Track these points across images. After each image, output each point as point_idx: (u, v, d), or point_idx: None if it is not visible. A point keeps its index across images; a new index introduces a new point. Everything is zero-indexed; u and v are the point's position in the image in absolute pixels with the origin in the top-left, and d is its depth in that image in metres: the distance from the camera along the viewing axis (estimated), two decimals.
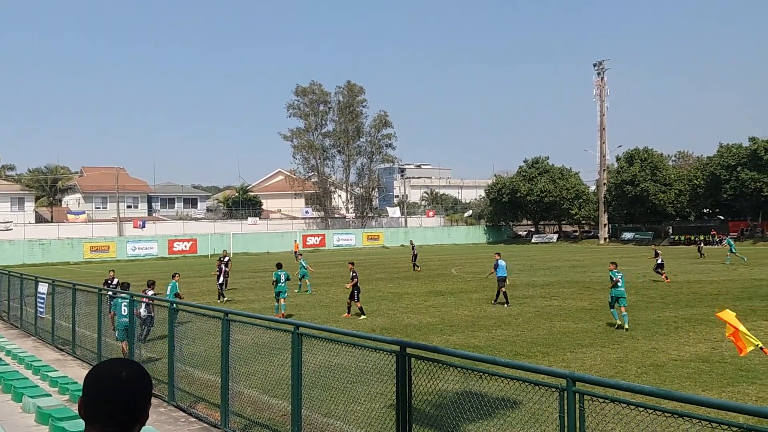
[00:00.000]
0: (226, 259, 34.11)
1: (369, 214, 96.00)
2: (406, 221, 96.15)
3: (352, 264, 24.26)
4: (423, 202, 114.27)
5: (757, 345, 5.27)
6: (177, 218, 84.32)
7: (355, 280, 22.70)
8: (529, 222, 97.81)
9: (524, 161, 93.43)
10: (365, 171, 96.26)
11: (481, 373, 5.88)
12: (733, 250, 44.89)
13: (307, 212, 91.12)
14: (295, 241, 67.92)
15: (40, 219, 79.30)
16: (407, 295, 28.39)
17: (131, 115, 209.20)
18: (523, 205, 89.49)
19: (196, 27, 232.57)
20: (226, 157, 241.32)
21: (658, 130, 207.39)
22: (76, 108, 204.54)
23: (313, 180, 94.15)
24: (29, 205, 79.35)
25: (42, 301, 19.08)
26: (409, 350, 6.75)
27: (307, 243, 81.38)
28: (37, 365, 14.05)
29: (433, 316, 21.86)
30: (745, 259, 44.18)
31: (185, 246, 72.95)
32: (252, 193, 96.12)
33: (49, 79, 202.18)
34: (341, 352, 7.85)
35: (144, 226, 73.97)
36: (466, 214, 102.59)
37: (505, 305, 23.66)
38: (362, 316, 21.78)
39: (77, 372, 14.02)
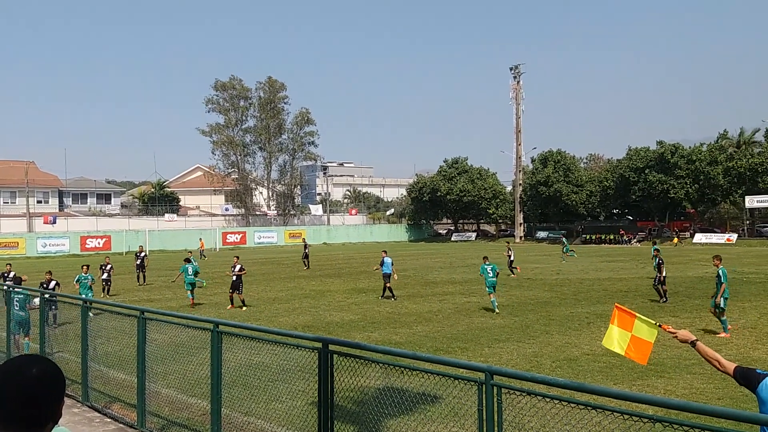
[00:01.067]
0: (143, 254, 33.81)
1: (291, 212, 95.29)
2: (328, 219, 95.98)
3: (237, 258, 25.51)
4: (345, 201, 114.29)
5: (656, 324, 5.53)
6: (90, 214, 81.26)
7: (243, 272, 24.47)
8: (449, 221, 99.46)
9: (444, 161, 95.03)
10: (287, 168, 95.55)
11: (402, 369, 5.93)
12: (566, 250, 49.19)
13: (227, 209, 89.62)
14: (201, 239, 66.94)
15: None
16: (329, 292, 28.33)
17: (41, 106, 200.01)
18: (443, 204, 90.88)
19: (112, 11, 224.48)
20: (141, 151, 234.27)
21: (571, 132, 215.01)
22: None
23: (233, 176, 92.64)
24: None
25: None
26: (331, 347, 6.73)
27: (227, 240, 80.00)
28: None
29: (356, 313, 21.90)
30: (575, 255, 49.25)
31: (98, 243, 70.44)
32: (169, 189, 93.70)
33: None
34: (263, 350, 7.76)
35: (55, 222, 70.96)
36: (388, 213, 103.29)
37: (393, 299, 25.10)
38: (244, 308, 23.30)
39: None
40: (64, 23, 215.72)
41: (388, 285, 25.76)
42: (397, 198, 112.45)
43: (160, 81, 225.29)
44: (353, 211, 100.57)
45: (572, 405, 4.48)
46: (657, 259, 23.98)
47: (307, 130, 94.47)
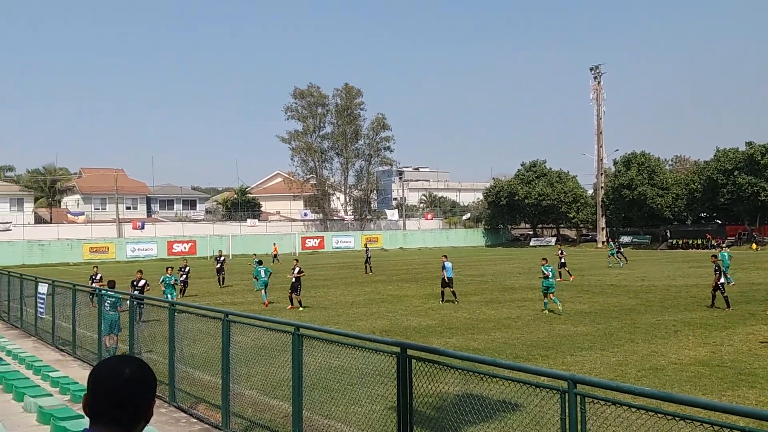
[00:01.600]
0: (222, 258, 35.17)
1: (367, 217, 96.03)
2: (404, 224, 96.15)
3: (297, 261, 27.69)
4: (421, 205, 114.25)
5: None
6: (176, 219, 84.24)
7: (302, 274, 25.94)
8: (527, 225, 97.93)
9: (522, 164, 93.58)
10: (363, 173, 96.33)
11: (481, 375, 5.89)
12: (611, 253, 47.09)
13: (305, 214, 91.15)
14: (274, 243, 67.84)
15: (39, 220, 79.29)
16: (406, 297, 28.40)
17: (130, 116, 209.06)
18: (521, 208, 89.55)
19: (194, 29, 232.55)
20: (224, 159, 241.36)
21: (655, 134, 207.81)
22: (75, 108, 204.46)
23: (311, 182, 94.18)
24: (28, 206, 79.34)
25: (42, 301, 19.07)
26: (409, 352, 6.75)
27: (306, 245, 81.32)
28: (37, 365, 14.04)
29: (433, 318, 21.86)
30: (621, 265, 45.13)
31: (185, 247, 72.92)
32: (251, 195, 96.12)
33: (46, 79, 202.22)
34: (342, 353, 7.86)
35: (143, 228, 73.97)
36: (464, 217, 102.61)
37: (451, 301, 25.90)
38: (301, 308, 24.70)
39: (78, 372, 14.02)
40: (154, 38, 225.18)
41: (452, 289, 26.60)
42: (474, 202, 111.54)
43: (242, 90, 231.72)
44: (429, 216, 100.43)
45: (659, 415, 4.35)
46: (715, 266, 23.38)
47: (383, 135, 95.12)
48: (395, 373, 6.72)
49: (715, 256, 24.53)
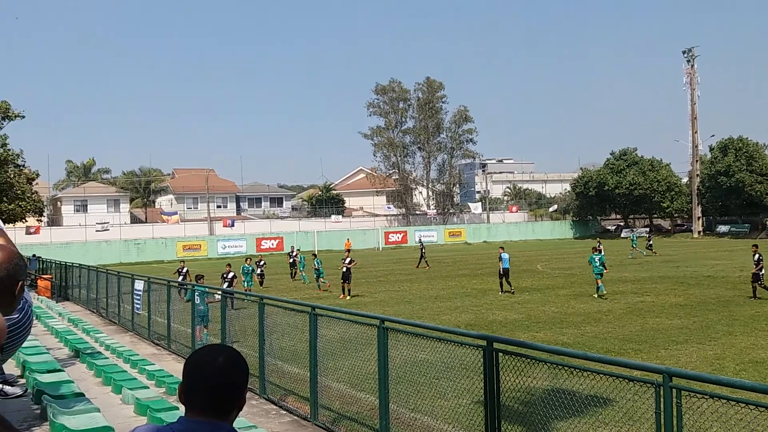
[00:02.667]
0: (294, 254, 36.33)
1: (450, 211, 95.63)
2: (488, 217, 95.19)
3: (348, 251, 30.25)
4: (505, 198, 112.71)
5: None
6: (264, 217, 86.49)
7: (354, 262, 28.03)
8: (618, 216, 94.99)
9: (611, 153, 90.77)
10: (446, 167, 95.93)
11: (571, 369, 5.76)
12: (634, 245, 46.83)
13: (388, 209, 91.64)
14: (348, 238, 68.14)
15: (134, 220, 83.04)
16: (491, 291, 28.17)
17: (220, 117, 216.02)
18: (611, 198, 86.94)
19: (279, 27, 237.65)
20: (309, 156, 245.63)
21: (753, 118, 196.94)
22: (167, 111, 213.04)
23: (394, 177, 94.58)
24: (124, 207, 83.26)
25: (138, 298, 19.89)
26: (496, 345, 6.68)
27: (389, 240, 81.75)
28: (134, 359, 14.67)
29: (519, 312, 21.62)
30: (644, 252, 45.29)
31: (272, 244, 74.76)
32: (335, 192, 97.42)
33: (139, 82, 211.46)
34: (427, 347, 7.87)
35: (233, 225, 76.21)
36: (551, 209, 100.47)
37: (511, 292, 26.75)
38: (348, 297, 26.81)
39: (173, 366, 14.63)
40: (240, 37, 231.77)
41: (507, 280, 27.43)
42: (561, 194, 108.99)
43: (326, 88, 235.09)
44: (514, 209, 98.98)
45: (759, 409, 4.13)
46: (756, 255, 23.32)
47: (466, 127, 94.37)
48: (482, 367, 6.67)
49: (756, 246, 24.51)
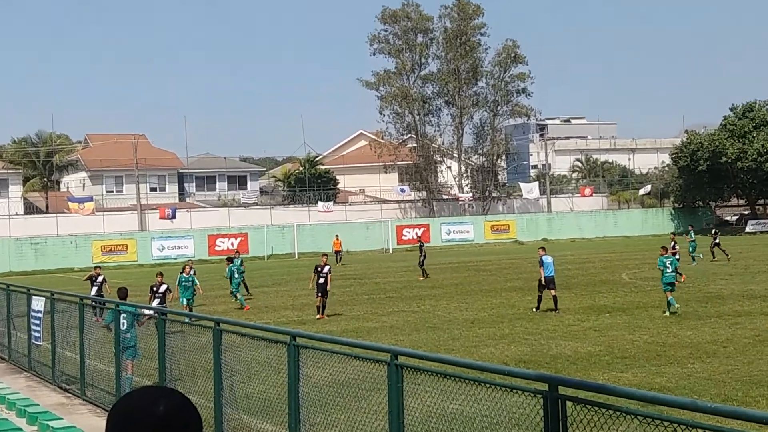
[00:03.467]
0: (239, 261, 36.63)
1: (493, 194, 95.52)
2: (549, 203, 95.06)
3: (326, 256, 31.60)
4: (574, 175, 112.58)
5: None
6: (219, 204, 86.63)
7: (330, 275, 29.82)
8: (742, 201, 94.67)
9: (731, 109, 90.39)
10: (487, 130, 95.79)
11: (674, 425, 5.75)
12: (691, 251, 47.46)
13: (402, 192, 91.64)
14: (337, 236, 67.83)
15: (30, 209, 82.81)
16: (554, 312, 28.15)
17: (150, 63, 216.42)
18: (730, 175, 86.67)
19: None
20: (284, 116, 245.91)
21: None
22: (75, 54, 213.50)
23: (409, 145, 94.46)
24: (15, 190, 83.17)
25: (38, 322, 19.94)
26: (562, 390, 6.68)
27: (403, 237, 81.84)
28: (33, 411, 14.75)
29: (596, 342, 21.67)
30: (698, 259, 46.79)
31: (232, 243, 74.60)
32: (323, 167, 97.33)
33: (37, 14, 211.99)
34: (460, 392, 7.86)
35: (174, 217, 76.34)
36: (641, 192, 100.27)
37: (553, 311, 28.01)
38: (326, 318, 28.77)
39: (88, 420, 14.70)
40: None
41: (553, 293, 28.54)
42: (656, 169, 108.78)
43: (308, 17, 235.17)
44: (587, 191, 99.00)
45: None
46: None
47: (516, 72, 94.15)
48: (541, 423, 6.67)
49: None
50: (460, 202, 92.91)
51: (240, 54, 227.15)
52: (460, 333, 24.17)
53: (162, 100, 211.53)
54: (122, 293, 18.77)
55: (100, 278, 30.47)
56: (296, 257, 72.57)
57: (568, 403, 6.55)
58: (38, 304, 20.01)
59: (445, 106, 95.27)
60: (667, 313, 26.17)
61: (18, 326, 22.14)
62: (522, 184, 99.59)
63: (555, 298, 28.51)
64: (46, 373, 19.38)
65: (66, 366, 18.49)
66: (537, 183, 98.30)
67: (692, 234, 49.38)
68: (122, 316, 16.12)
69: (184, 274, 30.18)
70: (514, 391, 7.08)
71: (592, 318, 26.46)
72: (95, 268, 33.70)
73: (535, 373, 7.33)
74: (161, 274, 27.13)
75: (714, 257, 48.89)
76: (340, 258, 62.91)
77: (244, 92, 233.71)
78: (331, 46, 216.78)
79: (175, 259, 71.77)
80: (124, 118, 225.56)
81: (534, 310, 28.54)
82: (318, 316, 29.11)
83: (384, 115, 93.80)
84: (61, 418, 14.38)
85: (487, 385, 7.47)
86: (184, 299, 29.54)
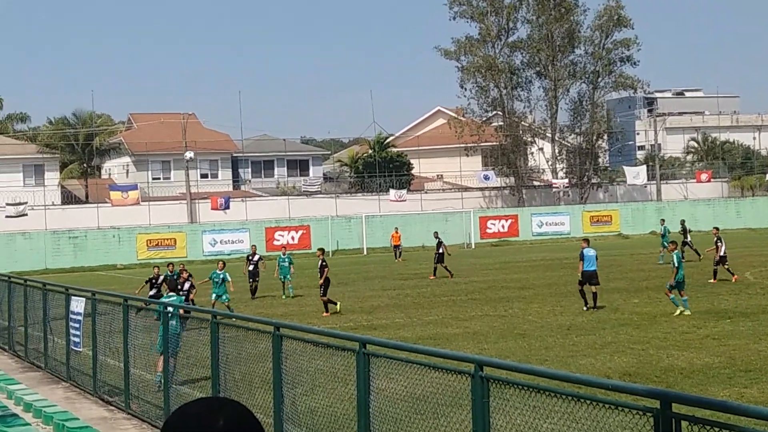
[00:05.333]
0: (256, 258, 40.02)
1: (593, 180, 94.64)
2: (658, 190, 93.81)
3: (322, 251, 34.73)
4: (689, 157, 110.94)
5: None
6: (278, 193, 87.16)
7: (326, 269, 32.81)
8: None
9: None
10: (585, 105, 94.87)
11: None
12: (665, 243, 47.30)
13: (486, 178, 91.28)
14: (396, 228, 67.49)
15: (68, 198, 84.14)
16: (666, 317, 27.87)
17: (201, 34, 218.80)
18: None
19: None
20: (353, 93, 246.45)
21: None
22: (117, 26, 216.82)
23: (495, 124, 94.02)
24: (51, 177, 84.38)
25: (77, 326, 20.24)
26: (676, 408, 6.62)
27: (487, 231, 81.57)
28: (72, 427, 15.00)
29: (714, 353, 21.42)
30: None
31: (292, 238, 75.11)
32: (395, 150, 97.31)
33: None
34: (557, 409, 7.81)
35: (228, 207, 76.93)
36: None
37: (592, 308, 30.12)
38: (325, 313, 31.72)
39: None
40: None
41: (593, 289, 30.35)
42: None
43: None
44: (704, 176, 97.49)
45: None
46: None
47: (619, 37, 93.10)
48: None
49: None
50: (554, 190, 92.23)
51: (300, 23, 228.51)
52: (554, 341, 24.09)
53: (214, 76, 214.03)
54: (173, 285, 19.69)
55: (160, 278, 32.35)
56: (365, 252, 72.85)
57: (683, 423, 6.50)
58: (78, 305, 20.25)
59: (536, 78, 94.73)
60: (677, 312, 27.87)
61: (55, 330, 22.47)
62: (627, 168, 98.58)
63: (595, 294, 30.42)
64: (86, 384, 19.68)
65: (108, 375, 18.76)
66: (644, 167, 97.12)
67: (666, 230, 51.62)
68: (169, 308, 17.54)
69: (217, 270, 32.87)
70: (619, 408, 7.03)
71: (710, 324, 26.07)
72: (154, 267, 35.74)
73: (643, 388, 7.25)
74: (185, 269, 29.19)
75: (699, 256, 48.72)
76: (400, 253, 63.23)
77: (306, 66, 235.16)
78: (403, 10, 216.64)
79: (229, 255, 72.29)
80: (172, 96, 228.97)
81: (584, 308, 30.19)
82: (324, 314, 31.81)
83: (465, 90, 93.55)
84: None
85: (587, 402, 7.44)
86: (214, 294, 32.45)
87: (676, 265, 29.13)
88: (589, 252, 31.64)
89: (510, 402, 8.36)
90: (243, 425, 2.28)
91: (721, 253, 38.67)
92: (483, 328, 27.12)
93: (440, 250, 47.55)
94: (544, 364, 19.38)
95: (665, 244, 47.58)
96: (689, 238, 51.93)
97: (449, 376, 9.12)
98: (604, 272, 44.84)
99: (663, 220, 56.84)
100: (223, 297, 32.22)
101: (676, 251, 30.52)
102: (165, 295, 27.15)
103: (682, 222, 54.62)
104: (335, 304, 32.40)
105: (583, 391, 7.74)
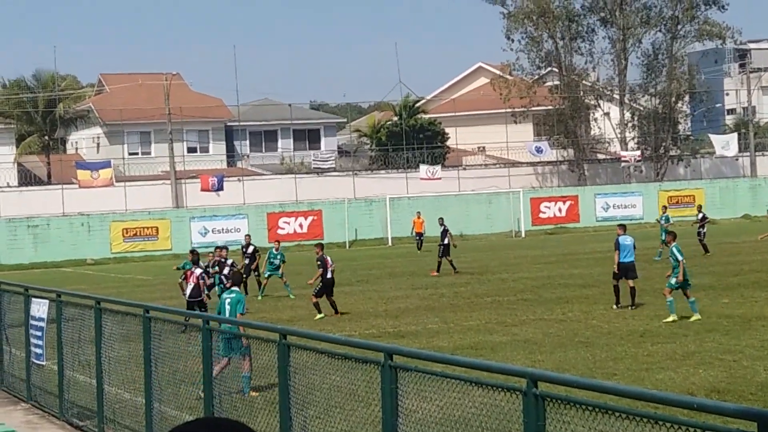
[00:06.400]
0: (251, 249, 42.27)
1: (671, 152, 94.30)
2: (752, 163, 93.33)
3: (321, 247, 35.59)
4: None
5: None
6: (283, 171, 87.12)
7: (320, 271, 33.42)
8: None
9: None
10: (661, 60, 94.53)
11: None
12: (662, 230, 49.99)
13: (539, 151, 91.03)
14: (419, 213, 67.36)
15: (27, 178, 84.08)
16: (764, 321, 27.78)
17: None
18: None
19: None
20: (373, 48, 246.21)
21: None
22: None
23: (549, 83, 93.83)
24: (5, 153, 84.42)
25: (39, 334, 20.32)
26: None
27: (540, 215, 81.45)
28: None
29: None
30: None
31: (300, 226, 75.14)
32: (425, 116, 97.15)
33: None
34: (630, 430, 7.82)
35: (221, 188, 76.72)
36: None
37: (630, 306, 31.38)
38: (318, 315, 32.56)
39: None
40: None
41: (631, 284, 31.61)
42: None
43: None
44: None
45: None
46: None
47: None
48: None
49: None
50: (623, 164, 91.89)
51: None
52: (624, 351, 24.11)
53: (203, 28, 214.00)
54: (237, 279, 22.84)
55: (251, 248, 37.06)
56: (389, 243, 72.72)
57: None
58: (39, 309, 20.27)
59: (600, 27, 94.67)
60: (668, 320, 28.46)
61: (12, 340, 22.57)
62: (713, 137, 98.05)
63: (633, 290, 31.64)
64: (50, 404, 19.78)
65: (78, 395, 18.84)
66: (735, 135, 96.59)
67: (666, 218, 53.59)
68: (227, 301, 20.69)
69: (275, 250, 38.32)
70: (701, 431, 7.02)
71: None
72: (218, 249, 37.81)
73: (736, 408, 7.23)
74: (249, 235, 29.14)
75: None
76: (422, 243, 63.20)
77: (315, 15, 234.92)
78: None
79: (224, 245, 72.20)
80: (152, 54, 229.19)
81: (614, 307, 31.56)
82: (317, 317, 32.74)
83: (513, 42, 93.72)
84: None
85: (666, 425, 7.40)
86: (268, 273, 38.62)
87: (680, 259, 29.57)
88: (626, 240, 32.92)
89: (570, 426, 8.36)
90: None
91: None
92: (536, 336, 27.17)
93: (446, 241, 47.88)
94: (612, 380, 19.40)
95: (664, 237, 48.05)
96: (705, 229, 53.74)
97: (495, 394, 9.09)
98: (690, 266, 44.90)
99: (665, 208, 57.08)
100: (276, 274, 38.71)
101: (675, 243, 30.61)
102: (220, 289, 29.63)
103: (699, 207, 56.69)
104: (320, 312, 32.93)
105: (660, 412, 7.73)
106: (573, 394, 8.56)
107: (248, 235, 47.43)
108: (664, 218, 54.31)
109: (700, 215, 53.97)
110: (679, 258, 29.45)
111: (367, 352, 11.18)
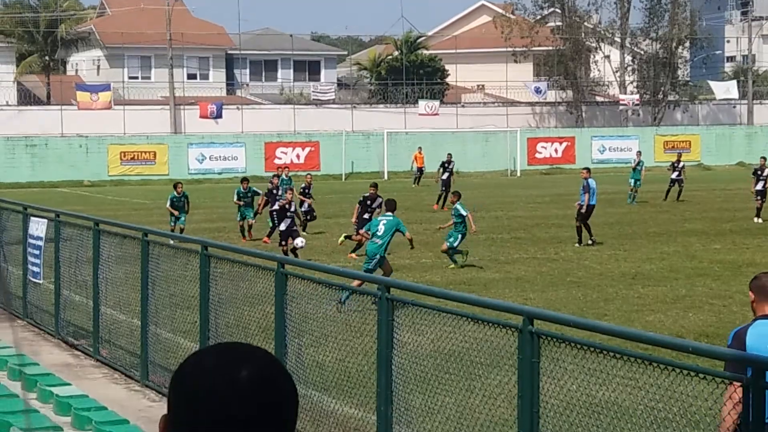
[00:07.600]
0: (250, 194, 39.48)
1: (669, 97, 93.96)
2: (750, 111, 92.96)
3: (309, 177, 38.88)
4: None
5: None
6: (282, 101, 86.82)
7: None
8: None
9: None
10: (664, 5, 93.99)
11: None
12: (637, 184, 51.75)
13: (538, 91, 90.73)
14: (420, 149, 67.25)
15: (26, 97, 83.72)
16: (753, 267, 27.68)
17: None
18: None
19: None
20: None
21: None
22: None
23: (551, 24, 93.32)
24: (5, 71, 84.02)
25: (37, 254, 20.30)
26: None
27: (537, 155, 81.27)
28: (31, 373, 15.07)
29: None
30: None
31: (298, 156, 74.88)
32: (426, 53, 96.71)
33: None
34: (617, 374, 7.82)
35: (220, 115, 76.51)
36: None
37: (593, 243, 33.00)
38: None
39: (104, 389, 15.06)
40: None
41: (587, 224, 33.22)
42: None
43: None
44: None
45: None
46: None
47: None
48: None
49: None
50: (622, 107, 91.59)
51: None
52: (615, 292, 24.13)
53: None
54: (391, 205, 24.66)
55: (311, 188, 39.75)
56: (385, 177, 72.36)
57: None
58: (38, 228, 20.24)
59: None
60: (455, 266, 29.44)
61: (10, 257, 22.56)
62: (713, 84, 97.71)
63: (589, 227, 33.54)
64: (46, 322, 19.79)
65: (73, 314, 18.85)
66: (734, 82, 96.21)
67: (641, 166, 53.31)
68: (382, 222, 23.56)
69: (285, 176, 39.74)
70: (693, 375, 6.94)
71: None
72: (280, 168, 42.31)
73: (729, 352, 7.27)
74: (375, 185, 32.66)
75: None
76: (420, 178, 63.36)
77: None
78: None
79: (220, 174, 72.23)
80: None
81: (576, 245, 32.99)
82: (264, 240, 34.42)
83: None
84: (69, 384, 14.59)
85: (655, 366, 7.39)
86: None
87: (464, 214, 29.80)
88: (592, 183, 34.67)
89: (560, 364, 8.38)
90: (271, 379, 2.22)
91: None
92: (528, 274, 27.26)
93: (444, 185, 48.46)
94: (603, 320, 19.42)
95: (636, 181, 49.22)
96: (683, 176, 52.94)
97: (490, 330, 9.09)
98: (679, 211, 44.96)
99: (639, 153, 56.61)
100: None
101: (460, 201, 30.64)
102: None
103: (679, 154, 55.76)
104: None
105: (649, 353, 7.76)
106: (566, 332, 8.60)
107: (309, 175, 46.61)
108: (640, 163, 53.68)
109: (680, 164, 52.74)
110: (464, 213, 29.73)
111: (364, 284, 11.16)
